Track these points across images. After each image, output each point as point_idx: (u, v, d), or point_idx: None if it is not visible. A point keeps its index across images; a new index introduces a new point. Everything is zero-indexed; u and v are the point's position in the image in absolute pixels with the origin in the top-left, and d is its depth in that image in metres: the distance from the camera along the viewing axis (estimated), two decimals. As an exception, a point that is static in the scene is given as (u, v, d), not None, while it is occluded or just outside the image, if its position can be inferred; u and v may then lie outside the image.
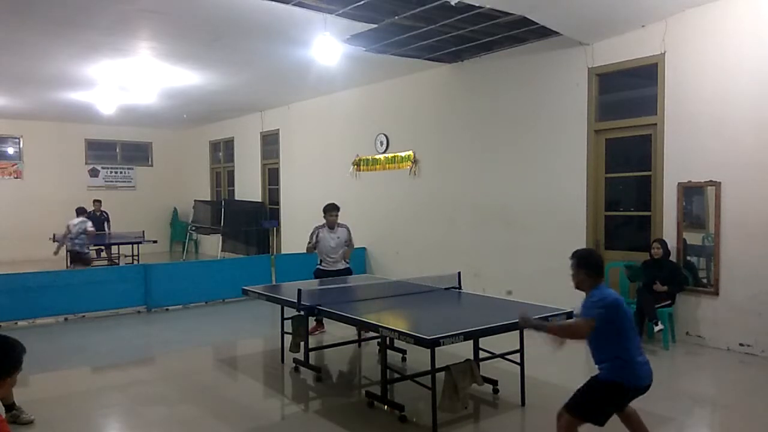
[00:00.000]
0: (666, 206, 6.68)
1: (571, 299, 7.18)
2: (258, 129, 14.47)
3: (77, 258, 10.49)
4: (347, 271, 7.21)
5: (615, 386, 3.45)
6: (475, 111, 8.93)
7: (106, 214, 13.90)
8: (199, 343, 7.17)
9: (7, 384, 3.03)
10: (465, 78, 9.08)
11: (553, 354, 3.77)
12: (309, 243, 7.17)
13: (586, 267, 3.56)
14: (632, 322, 3.48)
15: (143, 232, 13.00)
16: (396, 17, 6.74)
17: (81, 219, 10.48)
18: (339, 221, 7.23)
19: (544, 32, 7.30)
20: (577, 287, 3.61)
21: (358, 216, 11.19)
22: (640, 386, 3.44)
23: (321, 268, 7.16)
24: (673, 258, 6.54)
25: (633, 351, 3.43)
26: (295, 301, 5.13)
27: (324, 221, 7.16)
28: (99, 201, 13.97)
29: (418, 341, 3.91)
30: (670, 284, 6.34)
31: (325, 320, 5.19)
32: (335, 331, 7.09)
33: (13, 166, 15.55)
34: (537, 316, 4.54)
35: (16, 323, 7.89)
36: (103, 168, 16.80)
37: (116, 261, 13.10)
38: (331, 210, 7.20)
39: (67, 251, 10.66)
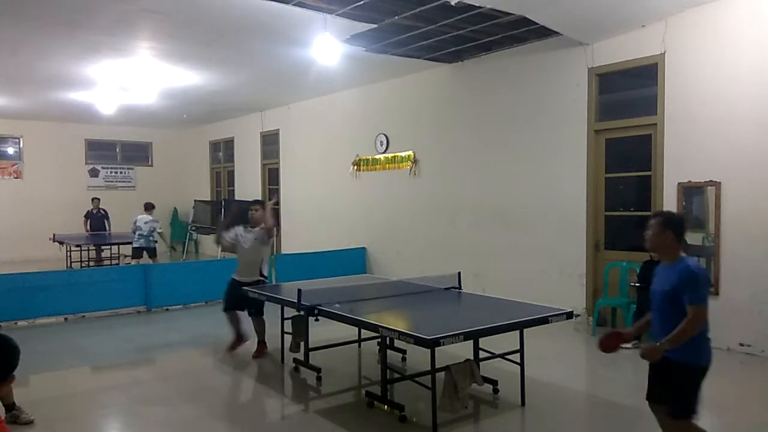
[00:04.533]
0: (666, 206, 6.66)
1: (571, 299, 7.23)
2: (258, 129, 14.47)
3: (153, 253, 11.32)
4: (259, 284, 6.21)
5: (703, 370, 3.27)
6: (475, 111, 8.93)
7: (105, 211, 13.95)
8: (199, 343, 7.16)
9: (8, 382, 3.03)
10: (465, 78, 9.08)
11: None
12: (224, 239, 6.28)
13: (675, 228, 3.23)
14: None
15: (143, 232, 12.97)
16: (396, 17, 6.74)
17: (152, 218, 11.32)
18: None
19: (544, 32, 7.30)
20: (654, 250, 3.34)
21: (358, 216, 11.21)
22: (709, 364, 3.27)
23: (234, 277, 6.32)
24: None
25: (707, 326, 3.27)
26: (295, 301, 5.13)
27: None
28: (98, 199, 14.02)
29: (418, 341, 3.91)
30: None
31: (325, 320, 5.15)
32: (336, 331, 7.08)
33: (13, 166, 15.55)
34: (538, 316, 4.56)
35: (16, 323, 7.89)
36: (103, 168, 16.80)
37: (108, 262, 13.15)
38: (252, 204, 6.56)
39: (133, 248, 11.37)
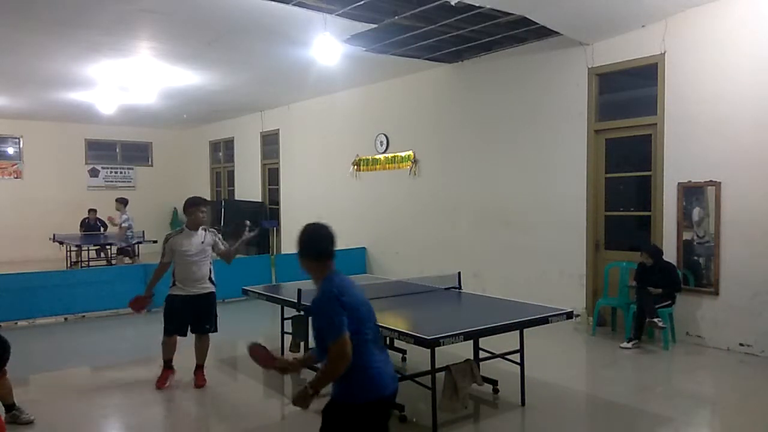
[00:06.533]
0: (666, 206, 6.68)
1: (571, 299, 7.23)
2: (258, 129, 14.47)
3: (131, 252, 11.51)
4: (211, 297, 5.38)
5: (363, 408, 2.65)
6: (475, 111, 8.93)
7: (101, 222, 13.92)
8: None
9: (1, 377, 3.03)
10: (465, 78, 9.08)
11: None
12: (163, 258, 5.29)
13: (305, 250, 2.77)
14: (362, 308, 2.72)
15: (143, 232, 12.96)
16: (396, 17, 6.75)
17: (128, 215, 11.40)
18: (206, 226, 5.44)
19: (544, 32, 7.30)
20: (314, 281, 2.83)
21: (358, 216, 11.21)
22: (384, 396, 2.68)
23: (173, 293, 5.25)
24: (672, 258, 6.54)
25: (368, 354, 2.67)
26: (295, 301, 5.13)
27: (184, 225, 5.37)
28: (95, 210, 13.89)
29: (418, 341, 3.91)
30: (665, 287, 6.34)
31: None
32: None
33: (13, 166, 15.55)
34: (538, 316, 4.56)
35: (16, 323, 7.88)
36: (103, 168, 16.80)
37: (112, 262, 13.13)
38: (199, 204, 5.30)
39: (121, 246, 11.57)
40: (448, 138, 9.38)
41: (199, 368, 5.46)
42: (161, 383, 5.28)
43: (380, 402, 2.68)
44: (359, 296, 2.76)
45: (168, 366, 5.38)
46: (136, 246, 11.91)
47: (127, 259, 11.61)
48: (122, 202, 11.49)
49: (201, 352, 5.46)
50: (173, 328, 5.30)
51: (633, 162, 7.37)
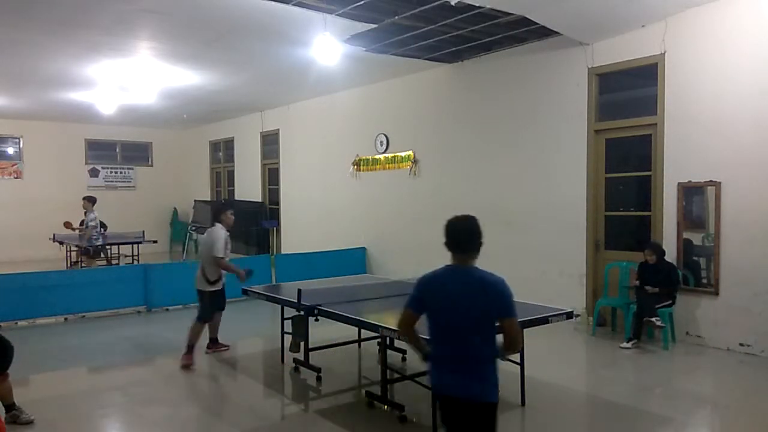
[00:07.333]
0: (666, 206, 6.68)
1: (571, 299, 7.23)
2: (258, 129, 14.47)
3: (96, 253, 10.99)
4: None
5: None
6: (475, 111, 8.93)
7: (101, 223, 13.81)
8: (200, 343, 7.16)
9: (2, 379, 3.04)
10: (465, 78, 9.08)
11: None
12: (225, 254, 6.11)
13: (445, 237, 3.14)
14: (436, 306, 3.03)
15: (143, 232, 12.98)
16: (396, 17, 6.75)
17: (95, 214, 10.76)
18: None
19: (544, 32, 7.31)
20: None
21: (358, 216, 11.21)
22: (438, 394, 2.98)
23: (219, 288, 6.24)
24: (672, 258, 6.55)
25: (435, 346, 3.01)
26: (295, 301, 5.14)
27: (220, 224, 6.24)
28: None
29: (418, 341, 3.89)
30: (665, 285, 6.33)
31: (325, 320, 5.15)
32: (336, 331, 7.08)
33: (13, 166, 15.55)
34: (538, 316, 4.56)
35: (16, 323, 7.88)
36: (103, 168, 16.80)
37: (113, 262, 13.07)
38: (232, 207, 6.56)
39: (85, 247, 10.91)
40: (448, 138, 9.38)
41: (216, 340, 6.52)
42: (189, 361, 5.99)
43: (435, 390, 3.03)
44: (439, 294, 3.10)
45: (191, 350, 6.06)
46: (99, 248, 11.07)
47: (95, 262, 11.01)
48: (90, 201, 10.93)
49: (217, 326, 6.50)
50: (212, 316, 6.27)
51: (633, 162, 7.37)
